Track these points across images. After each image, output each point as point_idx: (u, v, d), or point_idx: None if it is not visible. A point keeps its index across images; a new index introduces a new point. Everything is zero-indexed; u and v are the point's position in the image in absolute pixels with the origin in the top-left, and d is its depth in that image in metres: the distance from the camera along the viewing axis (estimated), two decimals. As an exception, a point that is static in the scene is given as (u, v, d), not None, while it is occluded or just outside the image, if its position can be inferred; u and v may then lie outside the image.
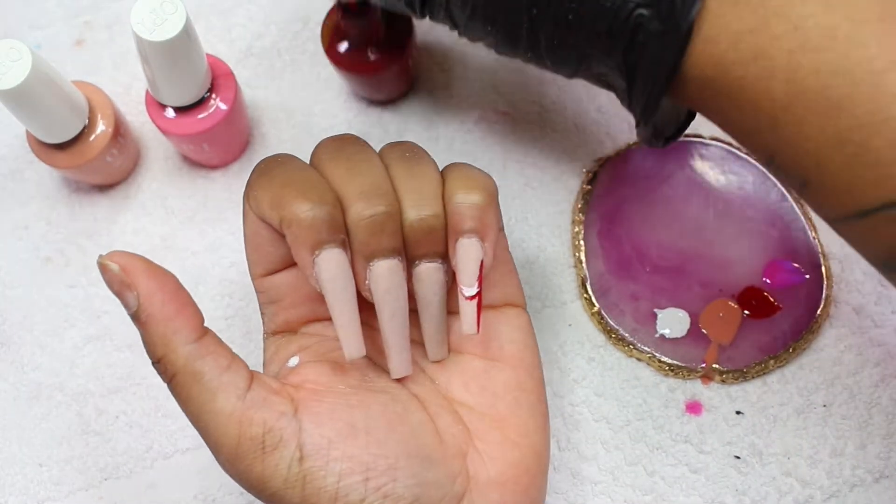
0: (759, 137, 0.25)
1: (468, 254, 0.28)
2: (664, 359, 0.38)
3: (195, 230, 0.42)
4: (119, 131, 0.40)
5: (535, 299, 0.40)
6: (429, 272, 0.29)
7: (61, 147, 0.39)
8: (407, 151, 0.30)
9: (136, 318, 0.27)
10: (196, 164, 0.43)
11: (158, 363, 0.27)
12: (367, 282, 0.28)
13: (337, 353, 0.30)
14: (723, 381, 0.38)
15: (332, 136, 0.30)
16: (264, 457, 0.27)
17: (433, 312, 0.30)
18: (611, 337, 0.39)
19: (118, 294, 0.27)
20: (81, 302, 0.41)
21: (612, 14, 0.25)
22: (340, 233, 0.27)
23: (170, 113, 0.39)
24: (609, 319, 0.39)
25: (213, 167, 0.43)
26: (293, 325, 0.31)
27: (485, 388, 0.31)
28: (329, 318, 0.30)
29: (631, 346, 0.39)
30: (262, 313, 0.31)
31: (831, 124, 0.23)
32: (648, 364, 0.39)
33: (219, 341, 0.28)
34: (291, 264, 0.30)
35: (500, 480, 0.29)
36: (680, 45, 0.24)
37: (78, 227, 0.42)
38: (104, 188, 0.43)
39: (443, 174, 0.29)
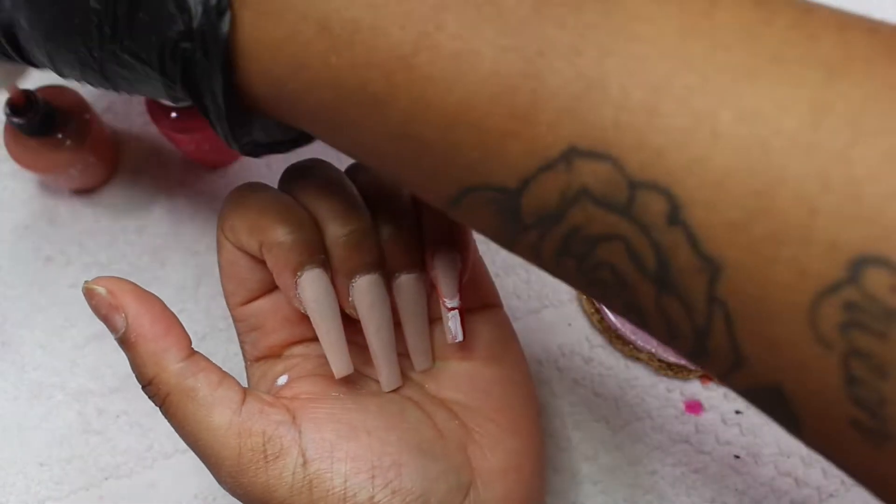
0: (335, 145, 0.24)
1: (448, 267, 0.29)
2: (664, 358, 0.38)
3: (195, 229, 0.42)
4: (92, 133, 0.40)
5: (535, 299, 0.40)
6: (409, 283, 0.29)
7: (40, 151, 0.39)
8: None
9: (124, 340, 0.27)
10: (196, 163, 0.43)
11: (150, 385, 0.27)
12: (350, 299, 0.28)
13: (324, 369, 0.30)
14: (722, 381, 0.38)
15: (297, 162, 0.30)
16: (267, 466, 0.27)
17: (416, 323, 0.30)
18: (610, 336, 0.39)
19: (105, 318, 0.28)
20: (82, 301, 0.41)
21: (160, 52, 0.23)
22: (320, 253, 0.28)
23: (171, 114, 0.39)
24: (609, 319, 0.39)
25: (214, 167, 0.43)
26: (276, 350, 0.31)
27: (474, 386, 0.31)
28: (312, 339, 0.31)
29: (631, 346, 0.39)
30: (241, 342, 0.31)
31: (381, 122, 0.21)
32: (648, 363, 0.39)
33: (207, 359, 0.28)
34: (270, 290, 0.30)
35: (503, 470, 0.30)
36: (222, 69, 0.22)
37: (79, 226, 0.42)
38: (104, 187, 0.43)
39: None
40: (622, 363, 0.39)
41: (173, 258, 0.42)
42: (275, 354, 0.31)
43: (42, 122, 0.38)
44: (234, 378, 0.28)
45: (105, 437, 0.39)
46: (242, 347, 0.31)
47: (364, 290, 0.28)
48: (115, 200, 0.43)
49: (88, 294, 0.28)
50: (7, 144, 0.39)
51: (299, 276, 0.27)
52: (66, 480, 0.39)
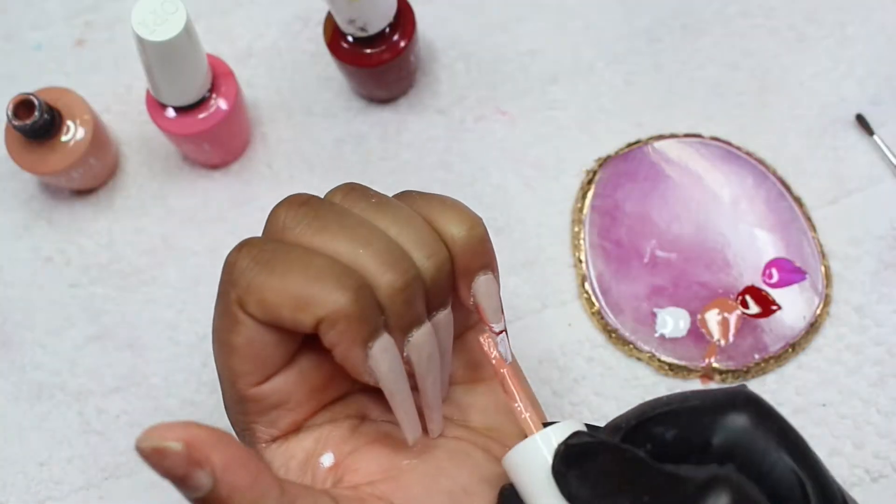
0: None
1: (489, 290, 0.27)
2: (664, 358, 0.38)
3: (195, 230, 0.42)
4: (92, 135, 0.40)
5: (535, 299, 0.40)
6: (446, 320, 0.27)
7: (41, 153, 0.39)
8: (373, 197, 0.27)
9: (213, 499, 0.22)
10: (196, 163, 0.43)
11: None
12: (406, 354, 0.26)
13: (361, 431, 0.28)
14: (722, 381, 0.38)
15: (285, 205, 0.26)
16: None
17: (447, 357, 0.28)
18: (611, 336, 0.39)
19: (183, 478, 0.21)
20: (82, 301, 0.41)
21: None
22: (381, 313, 0.25)
23: (170, 113, 0.39)
24: (609, 319, 0.39)
25: (214, 167, 0.43)
26: (299, 424, 0.27)
27: (497, 407, 0.30)
28: (333, 401, 0.28)
29: (631, 346, 0.39)
30: (249, 424, 0.27)
31: None
32: (648, 363, 0.39)
33: (290, 480, 0.25)
34: (290, 362, 0.27)
35: None
36: None
37: (79, 226, 0.42)
38: (104, 187, 0.43)
39: (414, 209, 0.27)
40: (622, 363, 0.39)
41: (173, 258, 0.42)
42: (296, 430, 0.27)
43: (43, 125, 0.38)
44: (318, 488, 0.26)
45: (105, 437, 0.39)
46: (250, 429, 0.27)
47: (422, 344, 0.26)
48: (114, 201, 0.43)
49: (157, 455, 0.21)
50: (9, 148, 0.40)
51: (370, 348, 0.24)
52: (66, 480, 0.39)
